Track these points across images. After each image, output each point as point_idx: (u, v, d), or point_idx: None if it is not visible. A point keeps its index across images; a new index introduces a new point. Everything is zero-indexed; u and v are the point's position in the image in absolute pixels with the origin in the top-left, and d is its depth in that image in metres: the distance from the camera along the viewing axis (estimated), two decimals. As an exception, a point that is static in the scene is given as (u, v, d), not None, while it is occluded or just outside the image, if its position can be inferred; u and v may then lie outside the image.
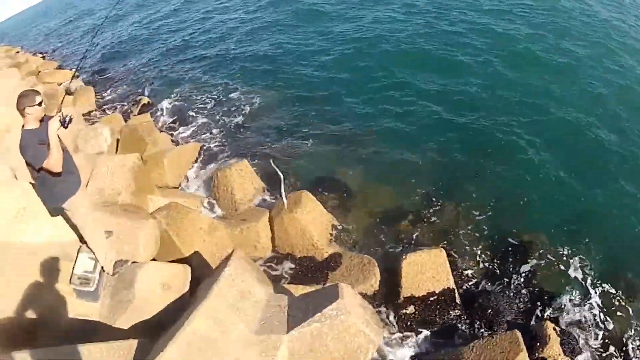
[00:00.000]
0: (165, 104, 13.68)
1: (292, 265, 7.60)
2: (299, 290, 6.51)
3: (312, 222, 7.74)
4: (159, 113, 13.15)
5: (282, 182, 8.32)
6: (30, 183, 5.42)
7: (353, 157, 10.34)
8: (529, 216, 8.55)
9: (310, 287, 6.65)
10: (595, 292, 7.18)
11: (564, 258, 7.70)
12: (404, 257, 6.94)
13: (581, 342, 6.44)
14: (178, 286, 5.58)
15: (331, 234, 8.02)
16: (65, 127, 4.68)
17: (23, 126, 4.63)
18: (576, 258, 7.68)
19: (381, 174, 9.76)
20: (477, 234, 8.24)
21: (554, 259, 7.69)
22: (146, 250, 6.60)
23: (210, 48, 16.98)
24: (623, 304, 7.05)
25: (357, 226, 8.49)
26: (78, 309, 5.20)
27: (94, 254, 5.40)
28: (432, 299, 6.81)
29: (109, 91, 15.37)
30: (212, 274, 5.74)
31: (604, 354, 6.42)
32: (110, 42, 20.64)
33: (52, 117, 4.76)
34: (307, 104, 12.77)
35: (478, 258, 7.82)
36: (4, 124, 9.11)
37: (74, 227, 5.45)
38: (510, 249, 7.93)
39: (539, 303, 7.00)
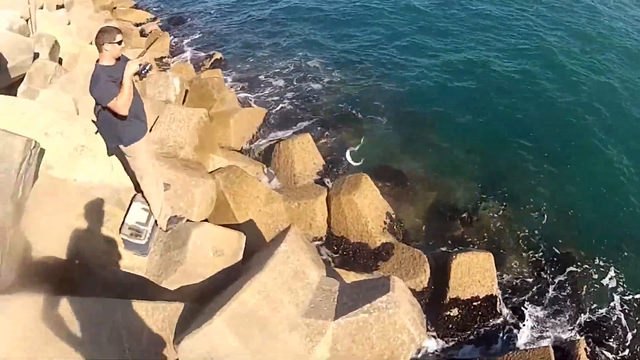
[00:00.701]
0: (239, 63, 13.31)
1: (345, 249, 7.35)
2: (350, 276, 6.26)
3: (368, 207, 7.38)
4: (230, 71, 12.81)
5: None
6: (93, 121, 5.14)
7: (418, 147, 10.00)
8: (582, 229, 8.25)
9: (360, 274, 6.46)
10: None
11: (610, 276, 7.45)
12: (453, 256, 6.76)
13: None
14: (231, 253, 5.23)
15: (384, 222, 7.65)
16: (142, 78, 4.50)
17: (98, 60, 4.35)
18: (622, 277, 7.45)
19: (442, 168, 9.49)
20: (524, 241, 8.02)
21: (598, 276, 7.47)
22: (200, 210, 6.33)
23: (299, 21, 16.46)
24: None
25: (410, 217, 8.28)
26: (125, 260, 4.95)
27: (148, 205, 5.12)
28: (475, 303, 6.64)
29: (184, 41, 14.99)
30: (266, 246, 5.52)
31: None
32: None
33: (131, 60, 4.47)
34: (384, 84, 12.25)
35: (522, 265, 7.62)
36: (72, 54, 9.00)
37: (131, 174, 5.19)
38: (554, 259, 7.71)
39: (576, 319, 6.85)
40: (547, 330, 6.63)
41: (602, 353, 6.38)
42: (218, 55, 13.11)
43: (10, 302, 3.62)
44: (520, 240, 7.99)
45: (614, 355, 6.41)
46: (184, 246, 4.94)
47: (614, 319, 6.87)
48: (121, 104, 4.22)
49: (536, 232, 8.12)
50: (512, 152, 9.88)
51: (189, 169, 6.78)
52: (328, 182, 8.43)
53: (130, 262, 4.96)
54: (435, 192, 8.77)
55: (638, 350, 6.49)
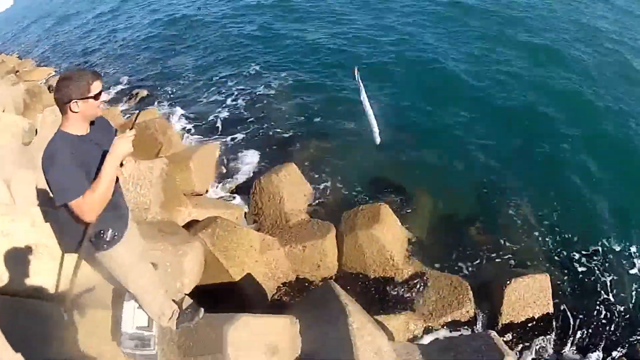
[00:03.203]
0: (168, 96, 11.99)
1: (367, 288, 6.34)
2: (391, 320, 5.50)
3: (392, 241, 6.48)
4: (163, 107, 11.47)
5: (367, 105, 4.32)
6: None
7: (410, 159, 9.04)
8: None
9: (402, 314, 5.70)
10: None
11: None
12: (507, 282, 5.96)
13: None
14: (288, 347, 4.02)
15: (407, 250, 6.83)
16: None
17: (60, 126, 2.90)
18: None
19: (442, 179, 8.57)
20: (561, 247, 7.34)
21: None
22: (191, 280, 5.22)
23: (217, 30, 15.33)
24: None
25: (429, 239, 7.33)
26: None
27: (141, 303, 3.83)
28: (529, 325, 6.02)
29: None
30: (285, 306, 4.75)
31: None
32: (90, 37, 18.67)
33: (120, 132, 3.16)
34: (339, 96, 11.16)
35: (565, 274, 6.96)
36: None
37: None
38: (595, 261, 7.15)
39: (628, 336, 6.26)
40: (600, 348, 6.07)
41: None
42: (143, 93, 11.76)
43: None
44: (540, 244, 7.36)
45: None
46: (220, 354, 3.60)
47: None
48: (89, 205, 2.72)
49: (566, 234, 7.50)
50: (511, 153, 9.21)
51: (167, 234, 5.61)
52: (324, 214, 7.44)
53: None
54: (444, 205, 7.97)
55: None
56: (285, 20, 15.75)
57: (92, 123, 3.00)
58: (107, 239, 3.06)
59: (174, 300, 4.04)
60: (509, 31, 14.20)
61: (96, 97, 2.86)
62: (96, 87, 2.85)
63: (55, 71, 15.55)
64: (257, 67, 12.60)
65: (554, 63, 12.30)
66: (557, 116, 10.14)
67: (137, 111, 4.92)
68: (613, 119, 10.12)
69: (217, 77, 12.43)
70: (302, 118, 10.29)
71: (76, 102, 2.78)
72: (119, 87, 13.17)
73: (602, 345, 6.04)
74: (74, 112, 2.81)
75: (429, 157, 8.99)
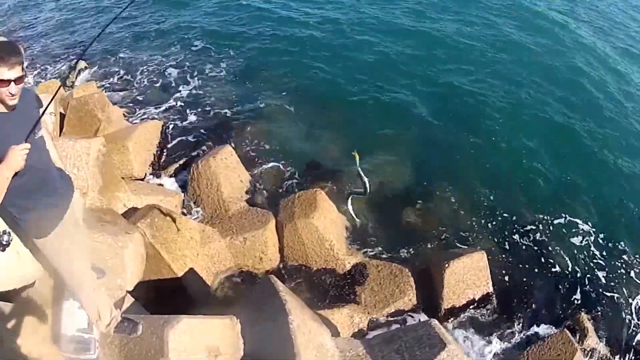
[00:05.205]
0: (109, 69, 11.37)
1: (309, 281, 6.40)
2: (334, 314, 5.59)
3: (330, 228, 6.52)
4: (103, 80, 10.86)
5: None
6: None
7: (350, 137, 9.04)
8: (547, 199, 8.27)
9: (345, 308, 5.80)
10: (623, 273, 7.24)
11: (593, 240, 7.65)
12: (445, 264, 6.15)
13: (616, 328, 6.54)
14: (230, 349, 4.01)
15: (347, 239, 6.94)
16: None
17: None
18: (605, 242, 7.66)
19: (380, 164, 8.60)
20: (496, 225, 7.77)
21: (581, 243, 7.60)
22: (132, 275, 5.06)
23: (168, 8, 14.58)
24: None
25: (369, 227, 7.43)
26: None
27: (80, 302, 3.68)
28: (472, 307, 6.31)
29: (36, 49, 12.59)
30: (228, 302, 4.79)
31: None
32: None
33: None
34: (291, 74, 11.15)
35: (502, 251, 7.37)
36: None
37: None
38: (529, 236, 7.65)
39: (570, 293, 6.90)
40: (546, 313, 6.55)
41: (603, 324, 6.48)
42: (82, 64, 11.06)
43: None
44: (491, 225, 7.76)
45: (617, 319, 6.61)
46: (163, 358, 3.57)
47: (606, 288, 7.02)
48: None
49: (504, 214, 7.93)
50: (456, 140, 9.44)
51: (106, 223, 5.40)
52: (262, 202, 7.39)
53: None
54: (378, 189, 7.94)
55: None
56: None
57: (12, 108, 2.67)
58: (3, 242, 2.85)
59: (115, 302, 3.94)
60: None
61: (17, 80, 2.54)
62: (16, 70, 2.51)
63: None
64: (204, 47, 12.23)
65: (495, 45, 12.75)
66: (488, 100, 10.57)
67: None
68: (540, 101, 10.68)
69: (163, 54, 11.95)
70: (246, 101, 10.14)
71: None
72: (56, 56, 12.31)
73: (544, 319, 6.45)
74: None
75: (364, 141, 8.97)
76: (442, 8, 14.57)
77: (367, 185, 6.07)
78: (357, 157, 5.95)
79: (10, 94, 2.55)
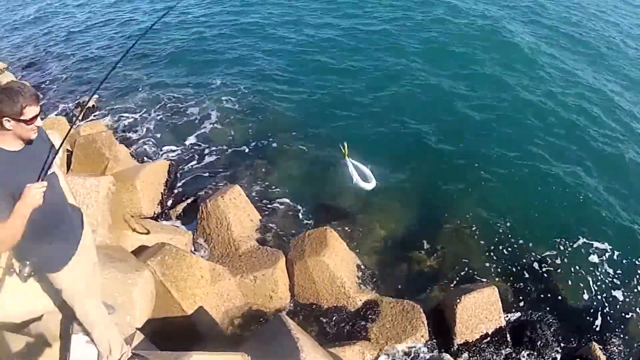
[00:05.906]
0: (117, 107, 11.42)
1: (321, 318, 6.29)
2: (345, 351, 5.46)
3: (340, 265, 6.43)
4: (111, 119, 10.92)
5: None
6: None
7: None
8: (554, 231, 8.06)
9: (356, 345, 5.65)
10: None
11: (604, 270, 7.51)
12: (457, 300, 6.09)
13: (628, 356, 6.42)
14: None
15: (358, 277, 6.81)
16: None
17: None
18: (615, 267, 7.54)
19: (388, 202, 8.50)
20: (506, 257, 7.64)
21: (595, 275, 7.43)
22: (142, 313, 4.94)
23: (170, 42, 14.81)
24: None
25: (379, 264, 7.35)
26: None
27: (90, 337, 3.62)
28: (485, 341, 6.15)
29: (44, 88, 12.74)
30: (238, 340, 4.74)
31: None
32: (41, 35, 17.40)
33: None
34: (289, 110, 11.14)
35: (512, 284, 7.26)
36: None
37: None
38: (538, 267, 7.51)
39: (581, 323, 6.79)
40: (558, 344, 6.38)
41: (614, 354, 6.38)
42: (90, 103, 11.13)
43: None
44: (502, 259, 7.60)
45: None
46: None
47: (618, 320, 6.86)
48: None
49: (515, 248, 7.76)
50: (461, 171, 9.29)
51: (116, 261, 5.30)
52: (272, 240, 7.31)
53: None
54: (388, 225, 7.99)
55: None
56: (246, 33, 15.39)
57: (29, 142, 2.83)
58: (25, 274, 3.00)
59: (125, 339, 3.86)
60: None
61: (29, 121, 2.69)
62: (30, 111, 2.67)
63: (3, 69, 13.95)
64: (213, 85, 12.30)
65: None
66: (490, 130, 10.48)
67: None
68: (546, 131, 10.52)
69: (170, 92, 12.03)
70: (255, 139, 10.11)
71: (8, 120, 2.64)
72: (67, 94, 12.48)
73: (557, 350, 6.30)
74: (6, 129, 2.68)
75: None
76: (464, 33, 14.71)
77: (354, 177, 7.19)
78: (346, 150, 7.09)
79: (37, 127, 2.78)
